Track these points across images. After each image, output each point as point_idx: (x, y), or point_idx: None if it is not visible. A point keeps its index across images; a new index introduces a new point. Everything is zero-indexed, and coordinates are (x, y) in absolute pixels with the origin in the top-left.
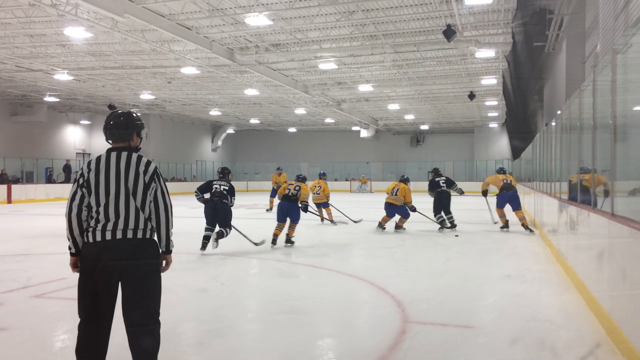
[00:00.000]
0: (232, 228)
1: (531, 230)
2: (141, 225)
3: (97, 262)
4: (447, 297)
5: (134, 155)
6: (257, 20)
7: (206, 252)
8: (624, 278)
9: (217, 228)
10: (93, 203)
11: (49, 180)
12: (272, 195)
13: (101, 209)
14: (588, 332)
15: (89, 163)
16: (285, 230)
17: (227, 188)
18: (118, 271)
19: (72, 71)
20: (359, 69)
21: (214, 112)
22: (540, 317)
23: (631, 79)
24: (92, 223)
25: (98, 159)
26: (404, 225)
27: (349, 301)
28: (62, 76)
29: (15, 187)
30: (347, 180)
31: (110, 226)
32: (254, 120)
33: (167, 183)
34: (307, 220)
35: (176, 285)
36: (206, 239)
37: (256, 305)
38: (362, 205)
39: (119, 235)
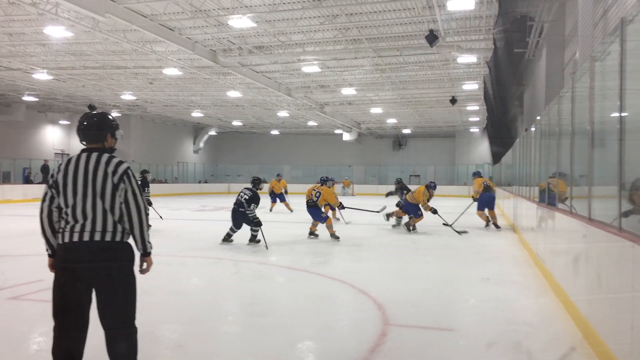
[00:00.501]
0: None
1: (499, 227)
2: (109, 228)
3: (65, 264)
4: (427, 300)
5: (105, 156)
6: (241, 22)
7: (188, 255)
8: (600, 282)
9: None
10: (62, 204)
11: (27, 180)
12: (273, 200)
13: (69, 210)
14: (565, 335)
15: (60, 164)
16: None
17: (247, 197)
18: (87, 274)
19: (52, 70)
20: (342, 73)
21: (196, 114)
22: (518, 320)
23: (609, 85)
24: (62, 224)
25: (69, 160)
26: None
27: (329, 304)
28: (42, 75)
29: None
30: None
31: (78, 228)
32: (236, 122)
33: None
34: (289, 223)
35: (154, 287)
36: (228, 235)
37: (236, 307)
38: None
39: (86, 237)
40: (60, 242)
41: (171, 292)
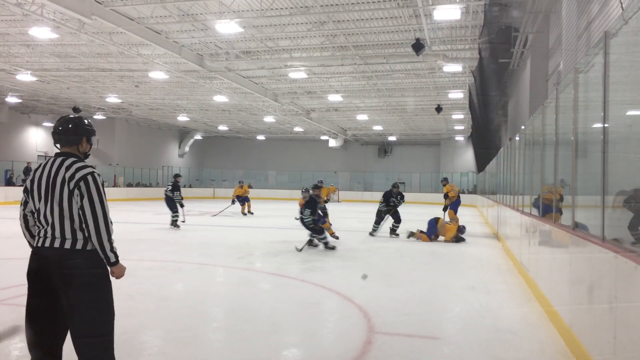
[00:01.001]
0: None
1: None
2: (68, 235)
3: (31, 268)
4: (412, 307)
5: (69, 161)
6: (228, 27)
7: (172, 260)
8: (584, 291)
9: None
10: (33, 209)
11: (9, 182)
12: (242, 204)
13: (36, 215)
14: (549, 344)
15: (33, 169)
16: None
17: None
18: (51, 280)
19: (36, 72)
20: (329, 79)
21: (182, 118)
22: (503, 328)
23: (592, 97)
24: (36, 230)
25: (40, 164)
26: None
27: (314, 311)
28: (25, 77)
29: None
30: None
31: (42, 233)
32: (222, 127)
33: (132, 188)
34: (275, 229)
35: (138, 293)
36: (309, 242)
37: (221, 314)
38: (331, 214)
39: (47, 243)
40: (33, 246)
41: (155, 298)
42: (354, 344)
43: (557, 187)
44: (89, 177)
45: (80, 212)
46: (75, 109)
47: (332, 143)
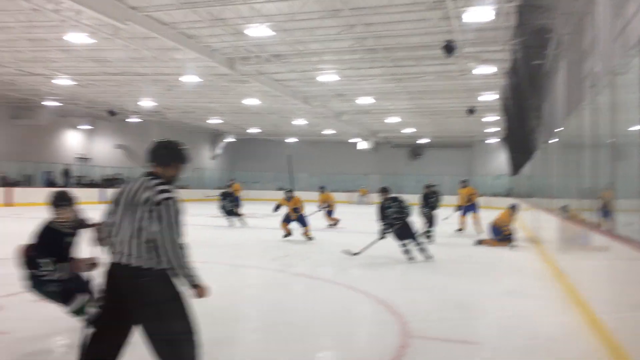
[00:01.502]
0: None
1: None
2: (137, 253)
3: (107, 284)
4: (448, 312)
5: (153, 182)
6: (258, 31)
7: (206, 260)
8: (630, 298)
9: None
10: (112, 222)
11: (49, 184)
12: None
13: (115, 230)
14: (590, 351)
15: (121, 185)
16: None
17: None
18: (123, 295)
19: (73, 76)
20: (359, 82)
21: (214, 121)
22: (542, 334)
23: (630, 99)
24: (111, 243)
25: (131, 180)
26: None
27: (348, 313)
28: (63, 81)
29: (15, 190)
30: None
31: (116, 248)
32: (253, 130)
33: None
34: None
35: None
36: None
37: (255, 314)
38: (362, 216)
39: (118, 259)
40: (109, 261)
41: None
42: (389, 347)
43: (606, 191)
44: (170, 202)
45: (158, 234)
46: (111, 112)
47: (363, 145)
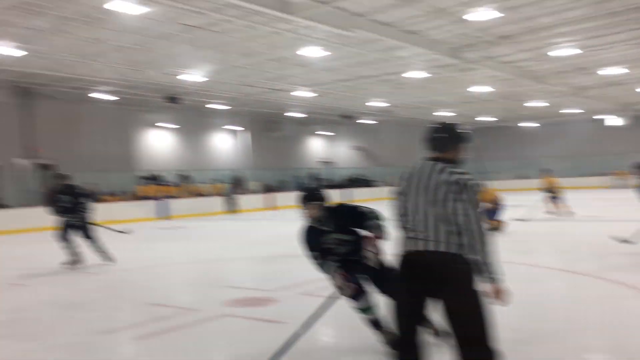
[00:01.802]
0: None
1: None
2: (443, 239)
3: (407, 271)
4: None
5: (444, 166)
6: (483, 14)
7: None
8: None
9: None
10: (404, 213)
11: (300, 188)
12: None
13: (410, 218)
14: None
15: (403, 174)
16: None
17: None
18: (426, 282)
19: (311, 87)
20: (602, 51)
21: (441, 113)
22: None
23: None
24: (405, 232)
25: (413, 168)
26: None
27: (614, 311)
28: (303, 93)
29: (276, 195)
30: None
31: (417, 236)
32: (483, 118)
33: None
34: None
35: None
36: None
37: (510, 312)
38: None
39: (421, 246)
40: (405, 250)
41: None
42: None
43: None
44: (473, 184)
45: (464, 218)
46: (345, 117)
47: (613, 122)
